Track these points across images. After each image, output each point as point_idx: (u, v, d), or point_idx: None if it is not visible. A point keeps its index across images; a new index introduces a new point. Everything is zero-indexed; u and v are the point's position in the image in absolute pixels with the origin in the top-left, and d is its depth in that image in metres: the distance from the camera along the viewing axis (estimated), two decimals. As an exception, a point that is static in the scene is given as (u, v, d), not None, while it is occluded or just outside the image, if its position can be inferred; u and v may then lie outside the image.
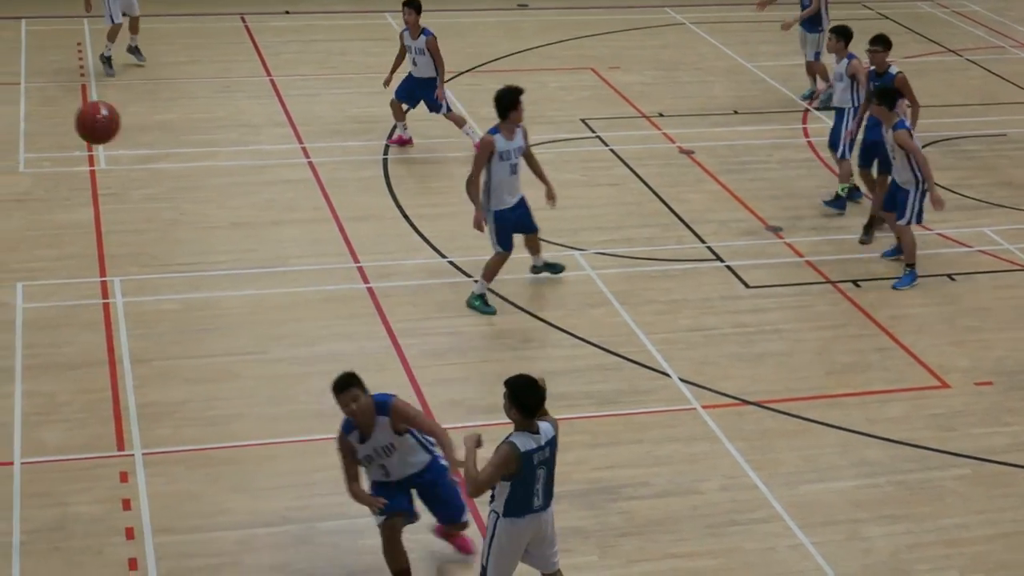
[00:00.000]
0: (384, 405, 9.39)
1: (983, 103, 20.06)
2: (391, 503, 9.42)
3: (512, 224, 13.44)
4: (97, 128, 12.01)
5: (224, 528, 10.20)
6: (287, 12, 22.69)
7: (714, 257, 14.79)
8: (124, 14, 19.35)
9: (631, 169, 16.96)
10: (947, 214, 15.21)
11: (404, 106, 17.16)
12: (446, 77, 17.37)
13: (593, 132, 18.11)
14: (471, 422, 11.61)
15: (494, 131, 13.25)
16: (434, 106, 17.04)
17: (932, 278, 14.52)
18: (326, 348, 12.67)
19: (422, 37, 16.73)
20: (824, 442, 11.65)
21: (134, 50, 19.75)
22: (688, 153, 17.51)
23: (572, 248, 14.79)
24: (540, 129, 17.88)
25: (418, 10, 16.75)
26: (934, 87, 20.03)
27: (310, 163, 16.72)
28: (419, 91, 17.03)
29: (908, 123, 14.52)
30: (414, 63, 16.90)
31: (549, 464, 8.69)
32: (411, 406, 9.53)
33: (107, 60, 19.39)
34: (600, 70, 20.65)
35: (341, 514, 10.38)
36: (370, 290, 13.73)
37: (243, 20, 22.28)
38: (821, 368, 12.71)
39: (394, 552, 9.50)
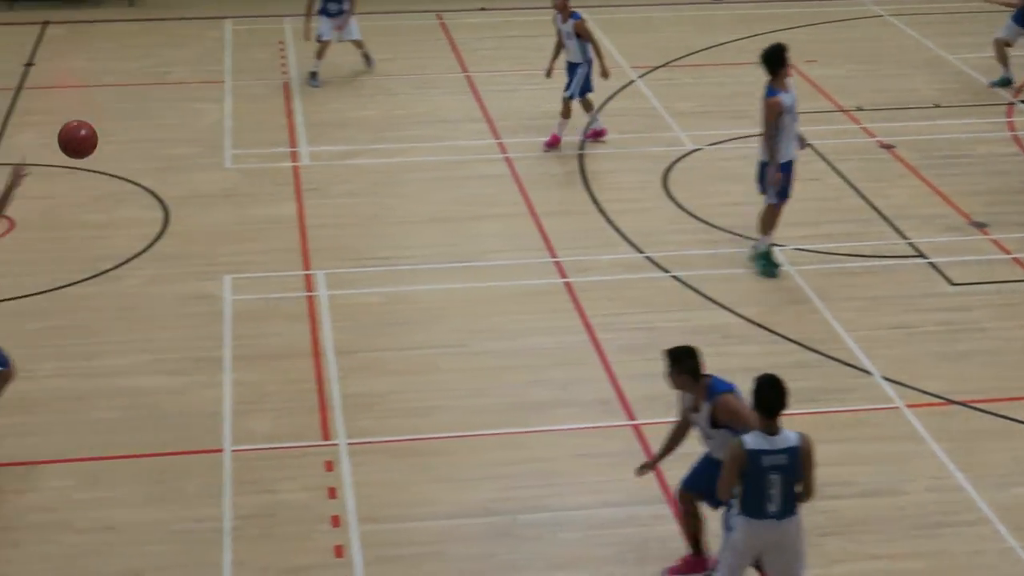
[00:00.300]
0: (712, 393, 9.25)
1: None
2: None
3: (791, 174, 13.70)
4: (77, 141, 10.97)
5: (427, 518, 10.34)
6: (483, 9, 22.87)
7: (916, 254, 14.51)
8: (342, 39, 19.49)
9: (829, 164, 16.72)
10: None
11: (583, 98, 17.10)
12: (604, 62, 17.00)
13: (791, 127, 17.88)
14: (670, 418, 11.55)
15: (774, 92, 13.73)
16: (568, 86, 16.81)
17: None
18: (525, 342, 12.76)
19: (571, 20, 16.67)
20: (1035, 444, 11.36)
21: (365, 57, 19.96)
22: (888, 148, 17.20)
23: (773, 244, 14.63)
24: (735, 124, 17.77)
25: None
26: None
27: (507, 158, 16.85)
28: (569, 75, 16.88)
29: None
30: (565, 47, 16.86)
31: (786, 472, 8.47)
32: (739, 407, 9.04)
33: (313, 75, 19.52)
34: (796, 64, 20.31)
35: (543, 506, 10.46)
36: (568, 285, 13.79)
37: (439, 17, 22.55)
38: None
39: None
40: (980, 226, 15.06)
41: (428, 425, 11.52)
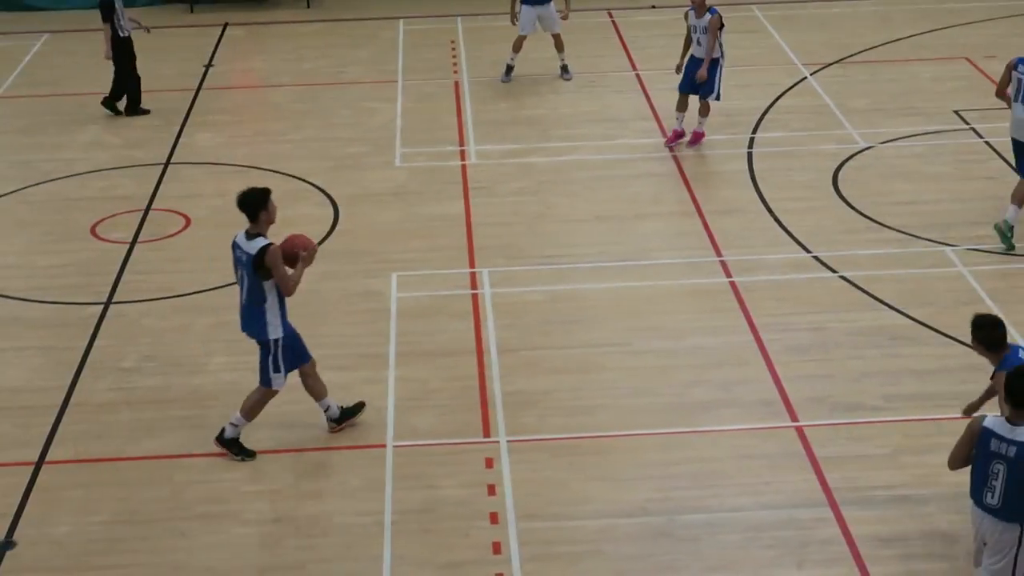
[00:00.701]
0: (1000, 367, 9.38)
1: None
2: None
3: None
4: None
5: (585, 517, 10.35)
6: (653, 7, 22.79)
7: (1099, 254, 14.09)
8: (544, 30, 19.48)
9: (1008, 163, 16.27)
10: None
11: (689, 95, 16.91)
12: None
13: (967, 124, 17.49)
14: (834, 420, 11.45)
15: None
16: (705, 89, 16.66)
17: None
18: (689, 342, 12.69)
19: (707, 16, 16.51)
20: None
21: (563, 68, 19.77)
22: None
23: (943, 244, 14.34)
24: (911, 121, 17.45)
25: None
26: None
27: (674, 157, 16.76)
28: (709, 72, 16.64)
29: None
30: (698, 43, 16.68)
31: (1013, 467, 8.29)
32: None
33: (508, 69, 19.62)
34: (975, 59, 19.91)
35: (702, 508, 10.40)
36: (732, 284, 13.67)
37: (610, 15, 22.52)
38: None
39: None
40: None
41: (588, 424, 11.52)
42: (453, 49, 21.24)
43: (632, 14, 22.60)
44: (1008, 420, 8.39)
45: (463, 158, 17.00)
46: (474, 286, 13.83)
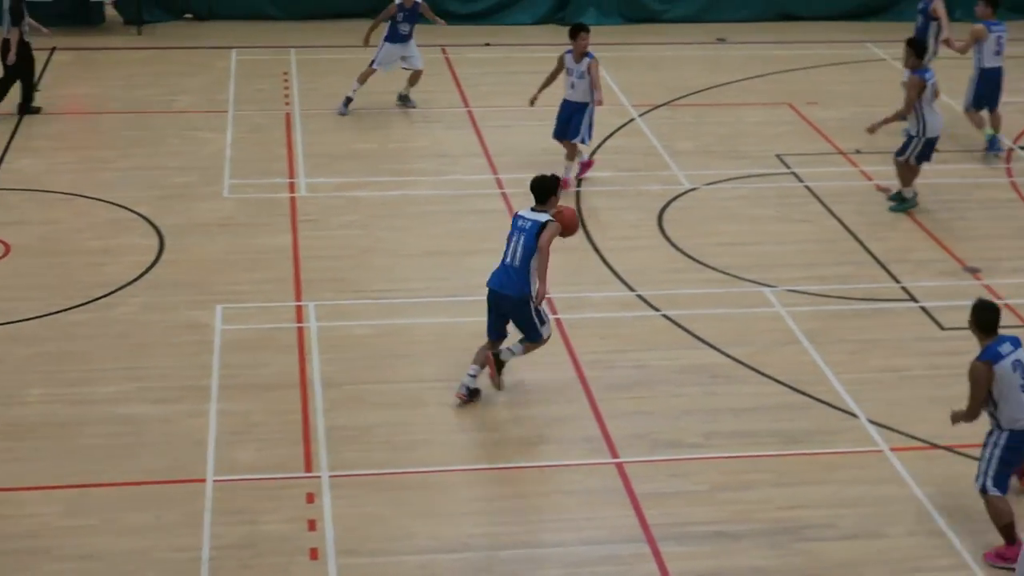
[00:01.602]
0: (980, 355, 10.51)
1: None
2: None
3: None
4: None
5: (406, 552, 10.34)
6: (487, 44, 23.00)
7: (908, 297, 14.53)
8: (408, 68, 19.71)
9: (826, 206, 16.76)
10: None
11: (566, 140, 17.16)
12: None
13: (788, 168, 17.95)
14: (654, 457, 11.63)
15: (924, 72, 15.98)
16: (571, 132, 16.93)
17: None
18: (512, 378, 12.76)
19: (585, 60, 16.76)
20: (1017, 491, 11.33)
21: (404, 98, 19.98)
22: (885, 191, 17.21)
23: (763, 285, 14.68)
24: (735, 164, 17.83)
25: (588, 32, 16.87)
26: None
27: (503, 194, 16.91)
28: (575, 116, 16.95)
29: None
30: (571, 86, 16.90)
31: None
32: (976, 383, 10.46)
33: (348, 100, 19.68)
34: (798, 105, 20.47)
35: (523, 543, 10.48)
36: (558, 321, 13.81)
37: (443, 52, 22.65)
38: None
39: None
40: (973, 271, 15.07)
41: (412, 459, 11.53)
42: (286, 81, 21.15)
43: (466, 51, 22.77)
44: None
45: (293, 190, 16.92)
46: (300, 319, 13.76)
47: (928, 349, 13.55)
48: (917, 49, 16.49)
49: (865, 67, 22.48)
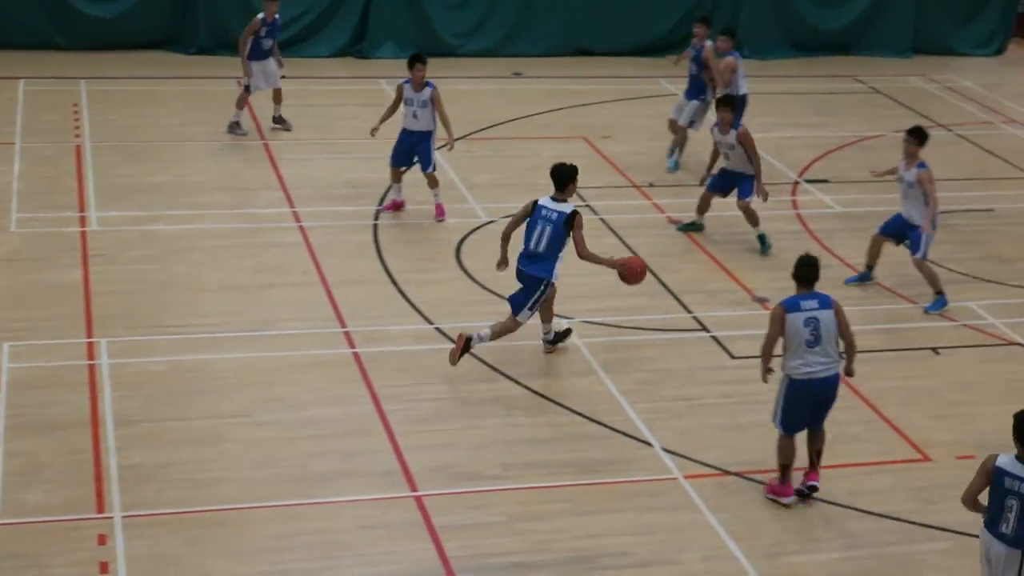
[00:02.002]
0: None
1: (972, 178, 20.21)
2: None
3: None
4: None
5: (202, 592, 10.19)
6: (283, 76, 22.81)
7: (700, 327, 14.86)
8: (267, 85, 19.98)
9: (620, 239, 17.05)
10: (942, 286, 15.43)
11: (403, 168, 17.29)
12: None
13: (584, 201, 18.19)
14: (452, 489, 11.65)
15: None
16: (427, 162, 17.15)
17: (917, 351, 14.60)
18: (311, 413, 12.69)
19: (427, 89, 16.92)
20: (806, 514, 11.66)
21: (279, 119, 20.17)
22: (676, 223, 17.58)
23: (560, 316, 14.82)
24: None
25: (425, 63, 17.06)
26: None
27: (301, 227, 16.80)
28: (418, 145, 17.14)
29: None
30: (414, 116, 17.04)
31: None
32: (771, 324, 11.70)
33: (236, 125, 19.85)
34: (592, 139, 20.80)
35: (319, 580, 10.40)
36: (356, 355, 13.77)
37: (239, 84, 22.38)
38: (806, 439, 12.69)
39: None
40: (762, 301, 15.48)
41: (208, 497, 11.35)
42: (76, 112, 20.70)
43: (262, 83, 22.57)
44: (1018, 458, 9.26)
45: (83, 224, 16.54)
46: (91, 356, 13.44)
47: (719, 378, 13.87)
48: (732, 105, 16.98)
49: (657, 102, 22.91)
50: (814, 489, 11.74)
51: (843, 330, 11.56)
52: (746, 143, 16.63)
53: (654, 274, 16.01)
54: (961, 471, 12.29)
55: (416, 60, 17.07)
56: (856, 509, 11.76)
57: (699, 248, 16.91)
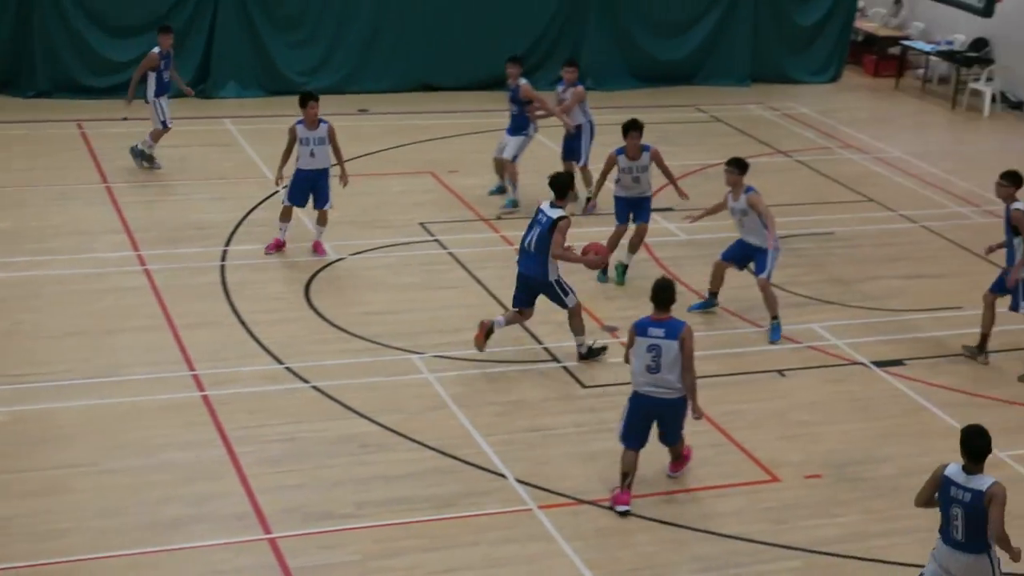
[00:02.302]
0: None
1: (812, 202, 20.67)
2: None
3: None
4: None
5: (51, 646, 9.97)
6: (125, 119, 22.51)
7: (551, 358, 14.96)
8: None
9: (470, 272, 17.11)
10: (779, 311, 15.71)
11: (295, 207, 17.41)
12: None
13: (432, 236, 18.25)
14: (306, 530, 11.57)
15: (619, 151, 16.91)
16: (324, 199, 17.25)
17: (763, 374, 14.86)
18: (160, 458, 12.52)
19: (322, 126, 16.97)
20: (660, 538, 11.80)
21: (149, 157, 20.13)
22: (611, 330, 17.61)
23: (411, 352, 14.85)
24: (380, 233, 18.00)
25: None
26: (766, 187, 20.45)
27: (146, 270, 16.58)
28: (317, 183, 17.20)
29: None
30: (311, 155, 17.03)
31: (968, 510, 9.66)
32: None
33: (150, 158, 20.02)
34: (439, 173, 20.87)
35: (172, 628, 10.24)
36: (205, 398, 13.62)
37: (80, 127, 22.10)
38: (656, 465, 12.83)
39: None
40: (611, 330, 15.64)
41: (55, 549, 11.10)
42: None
43: (103, 126, 22.23)
44: (964, 469, 9.67)
45: (-80, 274, 16.18)
46: (-69, 409, 13.13)
47: (571, 407, 13.97)
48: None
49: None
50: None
51: (684, 368, 11.86)
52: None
53: (504, 306, 16.09)
54: (809, 491, 12.61)
55: (309, 98, 17.02)
56: (708, 532, 11.93)
57: (548, 279, 17.03)
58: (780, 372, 14.97)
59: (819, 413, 14.19)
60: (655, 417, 12.10)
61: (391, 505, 12.04)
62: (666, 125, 24.05)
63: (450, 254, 17.68)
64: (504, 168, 19.66)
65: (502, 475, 12.60)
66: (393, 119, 23.70)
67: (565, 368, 14.74)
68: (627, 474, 12.10)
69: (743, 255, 15.94)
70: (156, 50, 19.72)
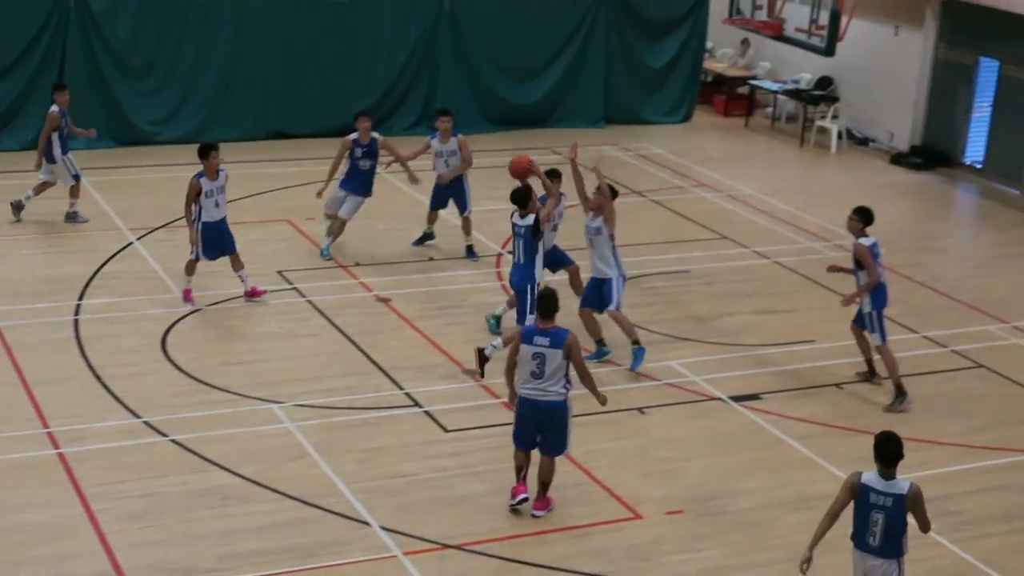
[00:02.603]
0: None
1: (667, 241, 20.94)
2: None
3: None
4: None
5: None
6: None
7: (413, 403, 14.93)
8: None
9: (328, 319, 17.03)
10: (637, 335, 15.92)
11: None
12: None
13: (290, 284, 18.14)
14: (168, 586, 11.39)
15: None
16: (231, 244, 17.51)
17: (624, 412, 14.98)
18: (15, 519, 12.23)
19: (220, 175, 17.18)
20: (525, 581, 11.82)
21: (73, 215, 20.14)
22: (385, 301, 17.70)
23: (271, 402, 14.72)
24: (236, 283, 17.77)
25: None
26: (622, 227, 20.67)
27: (-4, 327, 16.27)
28: (225, 232, 17.41)
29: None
30: (216, 205, 17.16)
31: (889, 514, 9.96)
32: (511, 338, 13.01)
33: (74, 214, 20.02)
34: (296, 221, 20.76)
35: None
36: (61, 455, 13.34)
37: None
38: (521, 508, 12.87)
39: None
40: (472, 373, 15.66)
41: (-94, 616, 10.82)
42: None
43: (-51, 180, 21.80)
44: (881, 475, 9.93)
45: None
46: None
47: (434, 452, 13.94)
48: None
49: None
50: (528, 504, 12.89)
51: (580, 375, 12.62)
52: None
53: (364, 352, 16.06)
54: (671, 527, 12.74)
55: (210, 148, 16.98)
56: (573, 571, 11.96)
57: (408, 325, 17.02)
58: (640, 410, 15.11)
59: (679, 449, 14.34)
60: (538, 421, 12.55)
61: (254, 557, 11.89)
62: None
63: (309, 302, 17.58)
64: (335, 224, 19.39)
65: (366, 523, 12.52)
66: (248, 168, 23.49)
67: (427, 413, 14.72)
68: (521, 468, 12.81)
69: (596, 294, 16.07)
70: (55, 108, 19.53)
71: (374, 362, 15.90)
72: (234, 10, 25.01)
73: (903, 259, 20.51)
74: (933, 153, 26.46)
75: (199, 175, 16.93)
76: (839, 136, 27.48)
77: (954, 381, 16.40)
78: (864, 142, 27.83)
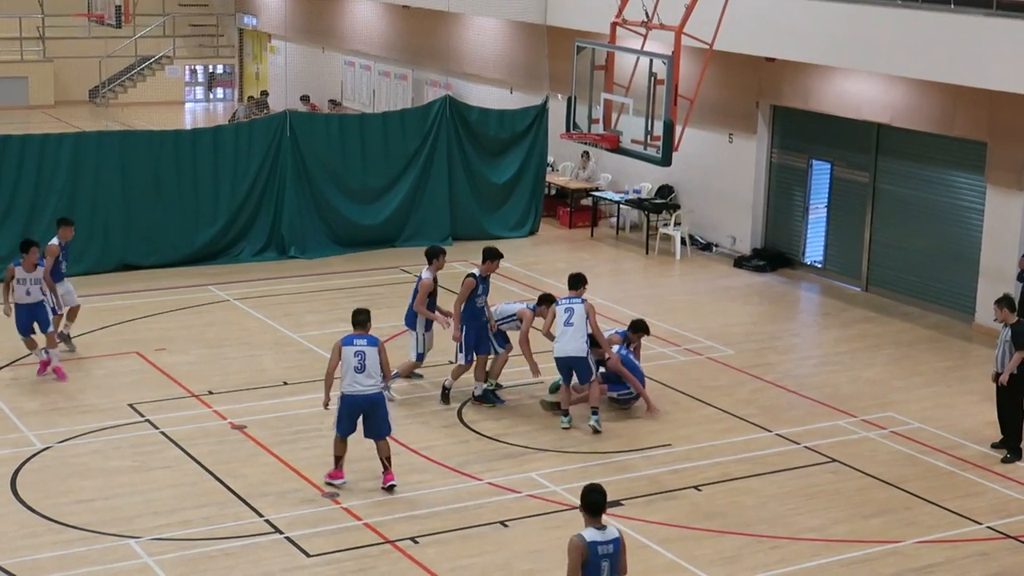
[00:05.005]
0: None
1: (516, 354, 21.03)
2: None
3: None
4: None
5: None
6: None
7: (273, 530, 14.74)
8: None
9: (183, 450, 16.79)
10: (495, 463, 15.88)
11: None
12: None
13: (142, 416, 17.86)
14: None
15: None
16: (46, 323, 18.99)
17: (487, 526, 14.95)
18: None
19: (39, 268, 18.95)
20: None
21: (66, 337, 20.42)
22: (240, 428, 17.51)
23: (127, 537, 14.42)
24: (86, 419, 17.50)
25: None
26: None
27: None
28: (37, 315, 19.01)
29: None
30: (27, 293, 18.87)
31: (613, 559, 10.37)
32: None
33: (67, 337, 20.48)
34: (145, 353, 20.50)
35: None
36: (-91, 606, 12.91)
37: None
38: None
39: None
40: (332, 496, 15.53)
41: None
42: None
43: None
44: (596, 528, 10.38)
45: None
46: None
47: (297, 578, 13.79)
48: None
49: (209, 309, 22.90)
50: (393, 487, 15.56)
51: (382, 366, 15.28)
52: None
53: (221, 481, 15.84)
54: (540, 638, 12.67)
55: (30, 244, 18.95)
56: None
57: (265, 450, 16.85)
58: (503, 523, 15.10)
59: (541, 561, 14.32)
60: (361, 412, 15.36)
61: None
62: (371, 288, 24.28)
63: (162, 433, 17.31)
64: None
65: (230, 655, 12.29)
66: (94, 301, 23.16)
67: (288, 539, 14.53)
68: (339, 457, 15.69)
69: (566, 369, 17.97)
70: (55, 241, 19.89)
71: (231, 490, 15.69)
72: (71, 147, 24.85)
73: (751, 360, 20.90)
74: (775, 255, 27.14)
75: (16, 263, 18.64)
76: (683, 243, 28.02)
77: (809, 477, 16.68)
78: (708, 247, 28.42)
